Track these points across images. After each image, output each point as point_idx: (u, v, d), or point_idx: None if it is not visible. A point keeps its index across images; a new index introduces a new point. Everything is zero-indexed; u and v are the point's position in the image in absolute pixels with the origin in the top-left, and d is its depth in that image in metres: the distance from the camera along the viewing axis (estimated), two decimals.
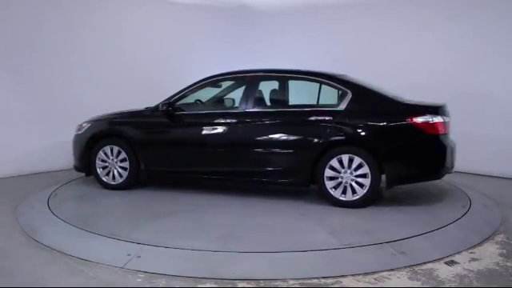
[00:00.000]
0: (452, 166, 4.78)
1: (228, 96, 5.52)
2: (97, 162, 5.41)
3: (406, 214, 4.40)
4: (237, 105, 5.17)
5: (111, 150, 5.36)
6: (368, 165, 4.50)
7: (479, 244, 3.74)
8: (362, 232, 3.83)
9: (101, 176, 5.41)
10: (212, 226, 4.05)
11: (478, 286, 3.00)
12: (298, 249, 3.47)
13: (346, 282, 3.03)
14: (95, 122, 5.58)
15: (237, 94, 5.32)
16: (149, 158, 5.27)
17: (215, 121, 5.05)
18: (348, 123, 4.64)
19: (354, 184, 4.56)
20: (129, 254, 3.38)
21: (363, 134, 4.60)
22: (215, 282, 3.02)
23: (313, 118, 4.77)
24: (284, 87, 5.39)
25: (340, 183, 4.60)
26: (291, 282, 3.02)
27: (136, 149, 5.26)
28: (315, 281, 3.04)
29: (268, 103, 5.21)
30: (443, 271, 3.19)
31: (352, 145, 4.61)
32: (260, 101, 5.11)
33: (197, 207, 4.63)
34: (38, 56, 6.44)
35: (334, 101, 4.91)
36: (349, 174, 4.56)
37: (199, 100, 5.62)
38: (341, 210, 4.50)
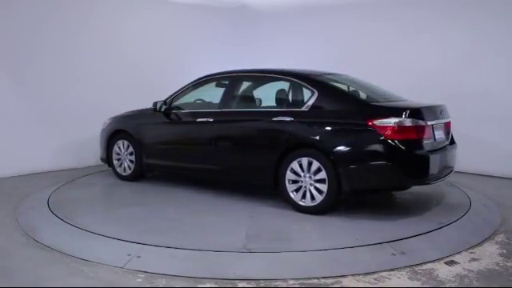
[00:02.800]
0: (440, 173, 4.38)
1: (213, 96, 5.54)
2: (113, 154, 5.97)
3: (360, 223, 4.09)
4: (216, 105, 5.29)
5: (123, 145, 5.87)
6: (325, 170, 4.24)
7: (479, 244, 3.73)
8: (280, 239, 3.74)
9: (115, 167, 5.96)
10: (151, 219, 4.27)
11: (478, 285, 3.00)
12: (201, 247, 3.49)
13: (346, 282, 3.03)
14: (114, 118, 6.09)
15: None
16: (147, 152, 5.63)
17: (197, 120, 5.25)
18: (309, 125, 4.43)
19: (312, 189, 4.34)
20: (129, 254, 3.38)
21: (321, 136, 4.34)
22: (215, 282, 3.02)
23: (277, 119, 4.61)
24: (256, 87, 5.36)
25: (300, 187, 4.42)
26: (291, 281, 3.02)
27: (139, 143, 5.69)
28: (315, 281, 3.04)
29: (240, 103, 5.22)
30: (443, 271, 3.19)
31: (311, 147, 4.38)
32: (234, 101, 5.17)
33: (161, 201, 4.96)
34: (38, 56, 6.43)
35: (303, 101, 4.68)
36: (308, 178, 4.35)
37: (200, 99, 5.74)
38: (295, 216, 4.34)
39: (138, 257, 3.36)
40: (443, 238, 3.79)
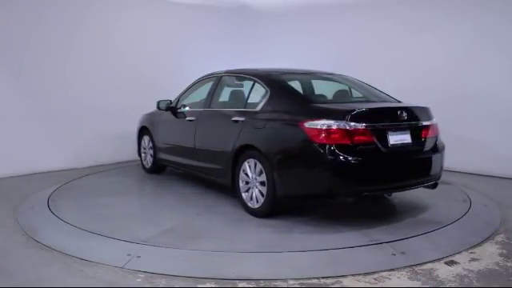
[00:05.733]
0: (398, 184, 4.07)
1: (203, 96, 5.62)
2: (141, 149, 6.57)
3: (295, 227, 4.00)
4: (201, 105, 5.43)
5: (146, 140, 6.41)
6: (265, 172, 4.13)
7: (479, 244, 3.72)
8: (193, 237, 3.76)
9: (142, 160, 6.60)
10: (109, 208, 4.64)
11: (478, 286, 3.00)
12: (108, 234, 3.72)
13: (346, 282, 3.03)
14: (144, 115, 6.56)
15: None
16: (158, 147, 6.10)
17: (186, 118, 5.47)
18: (256, 125, 4.33)
19: (257, 191, 4.27)
20: (129, 254, 3.38)
21: (262, 137, 4.23)
22: (215, 282, 3.02)
23: (234, 119, 4.59)
24: (230, 87, 5.39)
25: (249, 188, 4.39)
26: (291, 281, 3.02)
27: (154, 139, 6.19)
28: (315, 281, 3.03)
29: (214, 103, 5.27)
30: (443, 271, 3.19)
31: (255, 149, 4.27)
32: (211, 101, 5.26)
33: (141, 192, 5.54)
34: (37, 56, 6.42)
35: (259, 101, 4.57)
36: (254, 180, 4.29)
37: (197, 99, 5.78)
38: (244, 217, 4.32)
39: (138, 257, 3.36)
40: (443, 238, 3.79)
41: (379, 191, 4.13)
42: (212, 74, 5.55)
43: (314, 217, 4.34)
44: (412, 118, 4.16)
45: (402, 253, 3.45)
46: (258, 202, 4.29)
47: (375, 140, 3.87)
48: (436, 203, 4.83)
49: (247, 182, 4.42)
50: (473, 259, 3.42)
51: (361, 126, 3.81)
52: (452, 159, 6.37)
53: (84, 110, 6.84)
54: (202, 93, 5.64)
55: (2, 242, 3.81)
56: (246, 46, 8.45)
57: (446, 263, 3.33)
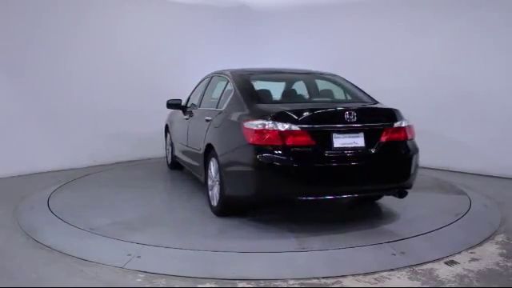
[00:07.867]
0: (342, 189, 3.79)
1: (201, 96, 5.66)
2: (167, 146, 6.88)
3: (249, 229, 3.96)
4: (196, 104, 5.59)
5: (168, 137, 6.72)
6: (219, 171, 4.12)
7: (479, 244, 3.72)
8: (132, 229, 3.88)
9: (166, 157, 6.95)
10: (94, 201, 4.90)
11: (478, 286, 3.00)
12: (73, 223, 3.96)
13: (346, 282, 3.03)
14: (168, 114, 6.75)
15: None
16: (173, 145, 6.36)
17: (184, 117, 5.67)
18: (216, 124, 4.37)
19: (215, 190, 4.26)
20: (129, 254, 3.38)
21: (217, 136, 4.30)
22: (215, 282, 3.02)
23: (206, 118, 4.66)
24: (215, 87, 5.40)
25: (213, 187, 4.38)
26: (291, 281, 3.02)
27: (171, 137, 6.49)
28: (315, 281, 3.04)
29: (202, 102, 5.37)
30: (443, 271, 3.19)
31: (214, 148, 4.30)
32: (202, 100, 5.37)
33: (131, 190, 5.48)
34: (37, 56, 6.42)
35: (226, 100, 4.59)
36: (214, 178, 4.29)
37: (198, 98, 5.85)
38: (203, 215, 4.33)
39: (138, 257, 3.36)
40: (443, 238, 3.79)
41: (318, 196, 3.79)
42: (208, 74, 5.64)
43: (272, 218, 4.27)
44: (368, 120, 3.89)
45: (402, 253, 3.45)
46: (215, 200, 4.29)
47: (314, 142, 3.65)
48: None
49: (213, 181, 4.44)
50: (473, 259, 3.42)
51: (296, 127, 3.64)
52: (452, 159, 6.40)
53: (84, 110, 6.84)
54: (201, 92, 5.69)
55: (1, 242, 3.81)
56: (246, 46, 8.45)
57: (445, 263, 3.33)
